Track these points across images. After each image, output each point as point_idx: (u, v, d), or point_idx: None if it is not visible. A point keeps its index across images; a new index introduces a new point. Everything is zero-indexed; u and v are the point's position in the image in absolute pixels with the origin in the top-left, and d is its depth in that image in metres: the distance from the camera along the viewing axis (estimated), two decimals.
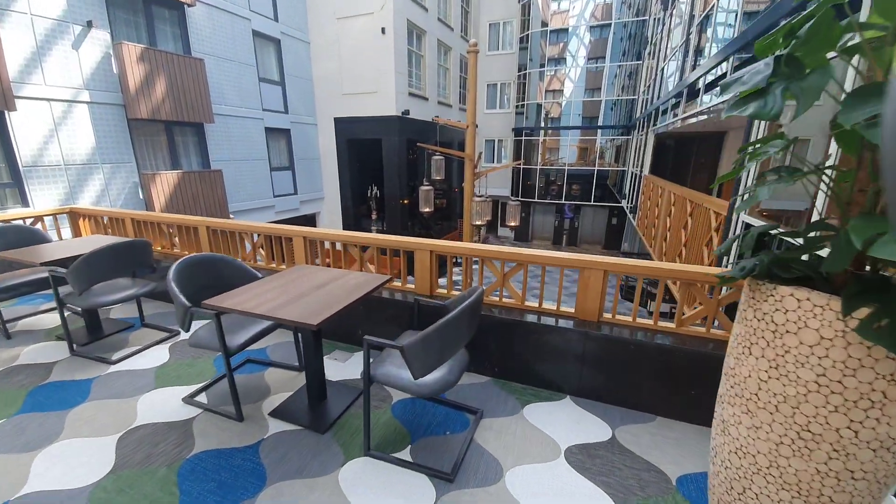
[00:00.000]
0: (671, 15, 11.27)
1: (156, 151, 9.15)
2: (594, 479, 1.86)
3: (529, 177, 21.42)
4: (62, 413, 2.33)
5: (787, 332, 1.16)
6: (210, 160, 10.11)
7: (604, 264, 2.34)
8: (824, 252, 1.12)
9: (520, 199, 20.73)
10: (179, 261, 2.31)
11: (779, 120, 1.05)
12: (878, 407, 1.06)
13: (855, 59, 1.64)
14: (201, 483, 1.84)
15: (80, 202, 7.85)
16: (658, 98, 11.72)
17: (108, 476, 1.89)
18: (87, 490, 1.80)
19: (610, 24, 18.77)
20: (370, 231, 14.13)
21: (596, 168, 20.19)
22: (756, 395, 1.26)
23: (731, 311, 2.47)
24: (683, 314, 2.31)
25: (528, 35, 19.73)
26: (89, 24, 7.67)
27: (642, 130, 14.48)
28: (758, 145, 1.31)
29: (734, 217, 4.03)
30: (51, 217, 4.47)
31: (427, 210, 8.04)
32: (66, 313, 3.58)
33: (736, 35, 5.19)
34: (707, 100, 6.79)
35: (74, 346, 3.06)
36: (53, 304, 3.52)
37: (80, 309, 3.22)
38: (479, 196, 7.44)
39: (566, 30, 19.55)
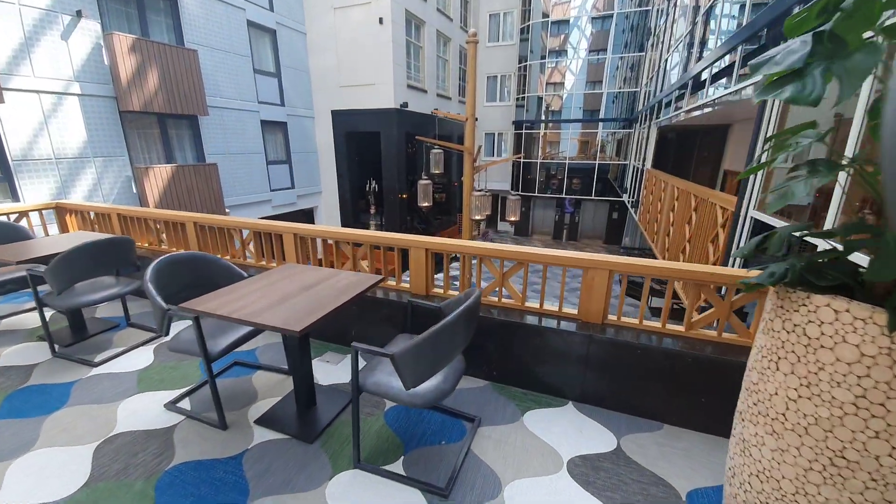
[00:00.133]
0: (675, 5, 11.03)
1: (149, 144, 8.98)
2: (599, 495, 1.75)
3: (530, 171, 21.22)
4: (39, 420, 2.22)
5: (822, 346, 1.03)
6: (205, 154, 9.93)
7: (609, 264, 2.21)
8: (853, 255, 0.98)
9: (520, 193, 20.54)
10: (158, 259, 2.17)
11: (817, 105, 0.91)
12: None
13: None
14: (180, 498, 1.72)
15: (73, 197, 7.70)
16: (661, 90, 11.51)
17: (83, 489, 1.77)
18: None
19: (612, 15, 18.46)
20: (369, 225, 13.98)
21: (597, 162, 19.98)
22: (783, 414, 1.13)
23: (739, 312, 2.34)
24: (690, 316, 2.18)
25: (528, 26, 19.42)
26: (79, 14, 7.46)
27: (644, 123, 14.27)
28: (786, 136, 1.17)
29: (742, 213, 3.89)
30: (38, 213, 4.34)
31: (426, 205, 7.89)
32: (50, 313, 3.50)
33: (745, 24, 5.01)
34: (712, 91, 6.61)
35: (57, 347, 2.94)
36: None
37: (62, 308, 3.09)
38: (479, 190, 7.28)
39: (567, 21, 19.24)
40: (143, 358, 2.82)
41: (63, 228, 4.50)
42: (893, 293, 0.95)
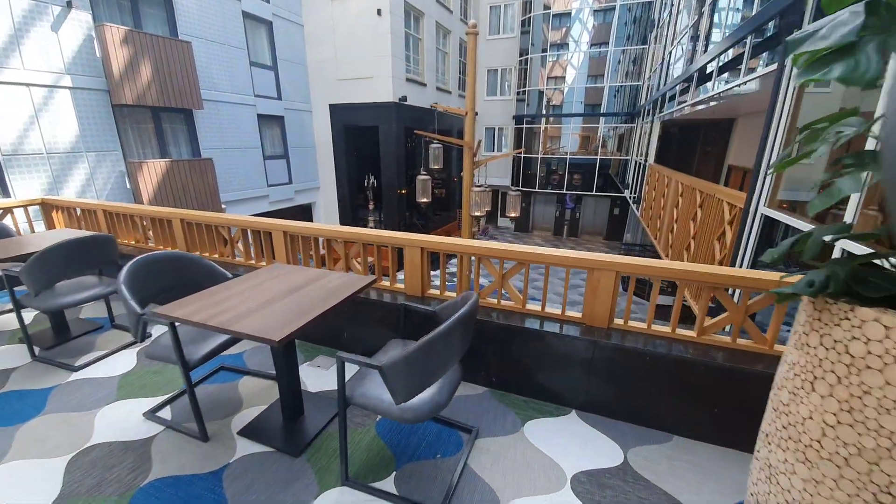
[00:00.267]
0: None
1: (143, 139, 8.82)
2: None
3: (530, 166, 21.02)
4: (12, 430, 2.09)
5: (868, 367, 0.90)
6: (200, 148, 9.76)
7: (616, 265, 2.07)
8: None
9: (520, 188, 20.35)
10: (134, 260, 2.04)
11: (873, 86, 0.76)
12: None
13: None
14: None
15: (65, 192, 7.56)
16: (665, 84, 11.31)
17: None
18: None
19: (614, 7, 18.17)
20: (367, 221, 13.84)
21: (598, 157, 19.76)
22: (819, 441, 1.00)
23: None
24: (702, 321, 2.05)
25: (530, 18, 19.13)
26: (69, 5, 7.28)
27: (647, 118, 14.07)
28: (823, 125, 1.03)
29: (752, 210, 3.73)
30: (23, 209, 4.19)
31: (424, 200, 7.74)
32: (34, 313, 3.37)
33: (754, 13, 4.83)
34: (718, 84, 6.44)
35: (37, 350, 2.82)
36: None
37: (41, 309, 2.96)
38: (479, 186, 7.12)
39: (569, 13, 18.96)
40: (125, 362, 2.69)
41: (50, 225, 4.36)
42: None
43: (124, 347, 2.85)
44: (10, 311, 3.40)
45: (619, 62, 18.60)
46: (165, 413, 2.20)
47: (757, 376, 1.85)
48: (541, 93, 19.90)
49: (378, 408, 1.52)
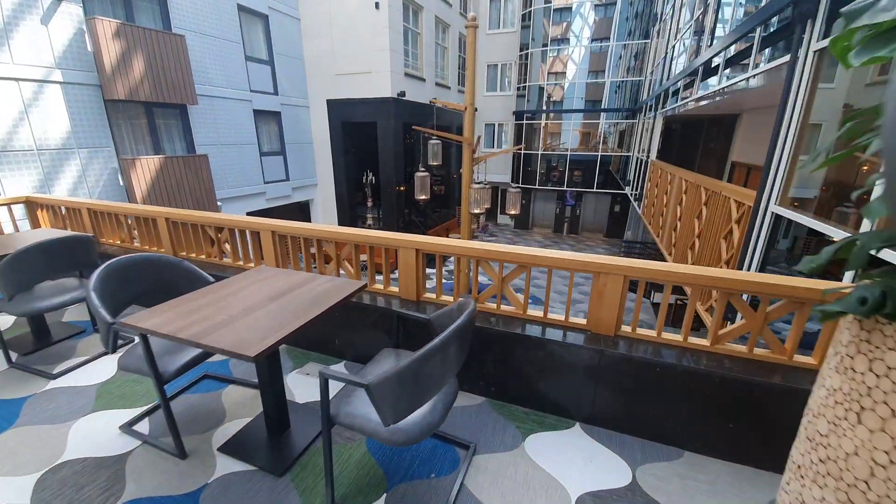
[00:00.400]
0: None
1: (136, 135, 8.65)
2: None
3: (530, 162, 20.81)
4: None
5: None
6: (195, 144, 9.59)
7: (624, 268, 1.93)
8: None
9: (520, 185, 20.19)
10: (106, 264, 1.90)
11: None
12: None
13: None
14: None
15: (56, 189, 7.41)
16: (668, 78, 11.12)
17: None
18: None
19: (616, 2, 17.91)
20: (366, 219, 13.69)
21: (599, 154, 19.56)
22: (866, 482, 0.86)
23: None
24: (716, 329, 1.91)
25: (530, 12, 18.87)
26: None
27: (649, 113, 13.88)
28: (869, 117, 0.89)
29: (762, 208, 3.59)
30: (6, 208, 4.05)
31: (423, 197, 7.60)
32: (11, 318, 3.24)
33: (763, 3, 4.66)
34: (725, 79, 6.27)
35: (15, 356, 2.69)
36: None
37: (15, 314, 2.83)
38: (478, 182, 6.97)
39: (570, 8, 18.70)
40: (106, 369, 2.56)
41: (35, 224, 4.22)
42: None
43: (104, 354, 2.72)
44: None
45: (621, 57, 18.37)
46: (144, 426, 2.07)
47: (775, 390, 1.72)
48: (541, 88, 19.66)
49: (365, 428, 1.39)
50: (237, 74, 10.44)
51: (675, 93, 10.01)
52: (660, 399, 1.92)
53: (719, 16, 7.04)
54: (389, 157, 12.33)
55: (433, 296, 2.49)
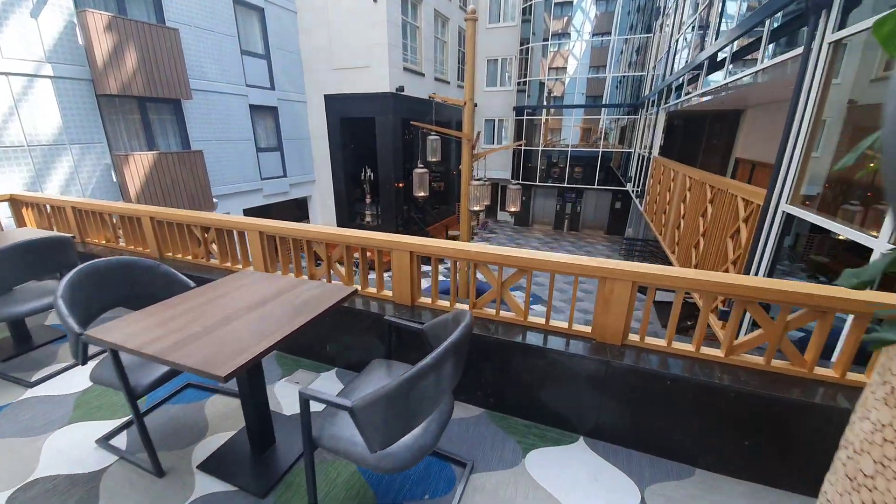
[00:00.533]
0: None
1: (129, 130, 8.49)
2: None
3: (530, 159, 20.63)
4: None
5: None
6: (190, 140, 9.43)
7: (633, 274, 1.80)
8: None
9: (520, 182, 20.03)
10: (77, 269, 1.77)
11: None
12: None
13: None
14: None
15: (48, 186, 7.27)
16: (671, 73, 10.94)
17: None
18: None
19: None
20: (364, 216, 13.55)
21: (600, 150, 19.38)
22: None
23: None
24: (731, 339, 1.79)
25: (531, 6, 18.63)
26: None
27: (651, 109, 13.70)
28: None
29: (772, 207, 3.45)
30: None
31: (422, 194, 7.45)
32: None
33: None
34: (726, 76, 6.11)
35: None
36: None
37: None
38: (478, 179, 6.83)
39: (571, 2, 18.45)
40: (85, 378, 2.43)
41: (20, 223, 4.08)
42: None
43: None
44: None
45: (622, 52, 18.14)
46: (122, 439, 1.95)
47: (794, 404, 1.60)
48: (542, 83, 19.45)
49: (350, 453, 1.26)
50: (232, 69, 10.26)
51: (679, 88, 9.84)
52: (669, 412, 1.80)
53: (725, 8, 6.87)
54: (388, 153, 12.17)
55: (428, 300, 2.37)
